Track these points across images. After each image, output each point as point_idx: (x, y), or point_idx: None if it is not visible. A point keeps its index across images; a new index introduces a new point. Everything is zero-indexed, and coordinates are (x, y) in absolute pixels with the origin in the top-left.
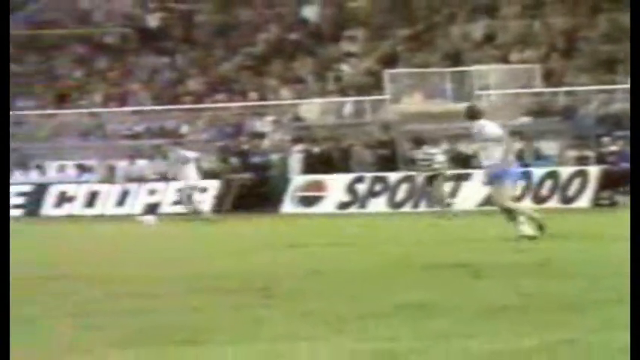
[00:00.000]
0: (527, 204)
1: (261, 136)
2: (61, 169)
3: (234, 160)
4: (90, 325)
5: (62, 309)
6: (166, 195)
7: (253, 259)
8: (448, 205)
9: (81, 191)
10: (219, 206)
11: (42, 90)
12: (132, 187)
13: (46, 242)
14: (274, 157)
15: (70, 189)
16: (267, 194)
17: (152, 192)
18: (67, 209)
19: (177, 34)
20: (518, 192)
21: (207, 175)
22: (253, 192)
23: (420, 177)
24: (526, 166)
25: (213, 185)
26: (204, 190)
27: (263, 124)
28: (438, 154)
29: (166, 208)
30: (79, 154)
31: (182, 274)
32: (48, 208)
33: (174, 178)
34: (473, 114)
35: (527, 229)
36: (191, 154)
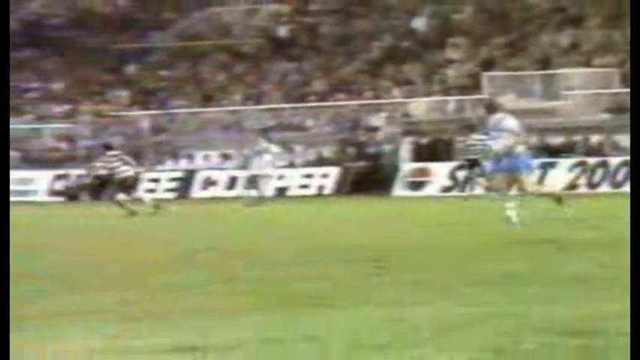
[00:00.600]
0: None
1: (375, 129)
2: (206, 158)
3: (351, 150)
4: (235, 292)
5: (212, 278)
6: (293, 179)
7: (368, 235)
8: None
9: (223, 176)
10: (338, 190)
11: (190, 91)
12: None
13: (195, 221)
14: (386, 147)
15: (214, 175)
16: (380, 180)
17: (281, 177)
18: (211, 192)
19: (303, 43)
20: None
21: (328, 162)
22: (368, 178)
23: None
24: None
25: (334, 172)
26: (325, 175)
27: (377, 120)
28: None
29: (294, 191)
30: (221, 145)
31: (308, 246)
32: (196, 191)
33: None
34: (491, 107)
35: (514, 215)
36: (273, 148)
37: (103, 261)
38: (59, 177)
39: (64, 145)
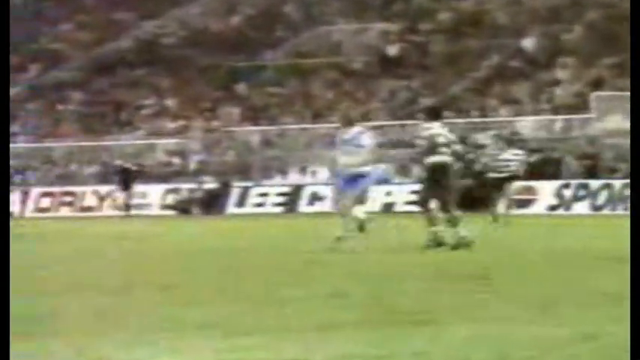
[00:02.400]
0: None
1: (482, 147)
2: (313, 173)
3: (459, 167)
4: (339, 306)
5: (318, 290)
6: (400, 195)
7: (475, 250)
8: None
9: (330, 192)
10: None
11: (300, 108)
12: (372, 188)
13: (303, 234)
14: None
15: (321, 190)
16: (485, 197)
17: (388, 193)
18: (317, 207)
19: (412, 61)
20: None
21: None
22: (473, 195)
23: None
24: None
25: None
26: None
27: (484, 138)
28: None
29: (400, 207)
30: (329, 161)
31: (416, 261)
32: (302, 206)
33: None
34: (348, 121)
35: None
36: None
37: (211, 272)
38: (170, 191)
39: (176, 160)
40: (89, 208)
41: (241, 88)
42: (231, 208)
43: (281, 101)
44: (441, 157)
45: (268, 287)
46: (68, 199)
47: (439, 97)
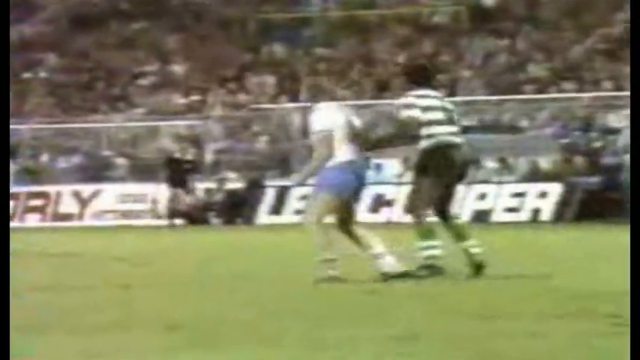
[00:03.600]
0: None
1: (615, 132)
2: (378, 168)
3: (580, 161)
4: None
5: (389, 329)
6: (498, 200)
7: (599, 277)
8: None
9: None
10: (560, 215)
11: (358, 77)
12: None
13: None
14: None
15: (387, 190)
16: (619, 201)
17: (482, 196)
18: (384, 214)
19: (518, 13)
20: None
21: (547, 177)
22: (603, 197)
23: None
24: None
25: (555, 190)
26: (543, 194)
27: (618, 119)
28: None
29: (499, 216)
30: (401, 152)
31: (518, 292)
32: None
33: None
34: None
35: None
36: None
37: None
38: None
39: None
40: (67, 216)
41: (277, 49)
42: (263, 216)
43: (332, 68)
44: (447, 138)
45: (310, 328)
46: (37, 202)
47: (554, 63)
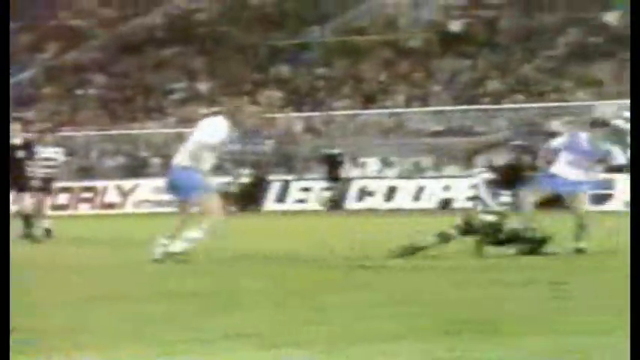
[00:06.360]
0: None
1: (557, 135)
2: (363, 165)
3: (528, 159)
4: (401, 314)
5: (368, 297)
6: (460, 191)
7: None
8: None
9: (381, 186)
10: (512, 203)
11: (349, 92)
12: (428, 182)
13: (344, 234)
14: None
15: (372, 184)
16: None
17: (446, 188)
18: (368, 203)
19: (479, 39)
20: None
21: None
22: None
23: None
24: None
25: None
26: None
27: (560, 125)
28: None
29: (460, 204)
30: (381, 151)
31: (472, 264)
32: (350, 201)
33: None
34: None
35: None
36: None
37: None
38: None
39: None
40: (110, 205)
41: (283, 69)
42: (269, 204)
43: (328, 84)
44: None
45: (309, 295)
46: (88, 195)
47: (508, 79)
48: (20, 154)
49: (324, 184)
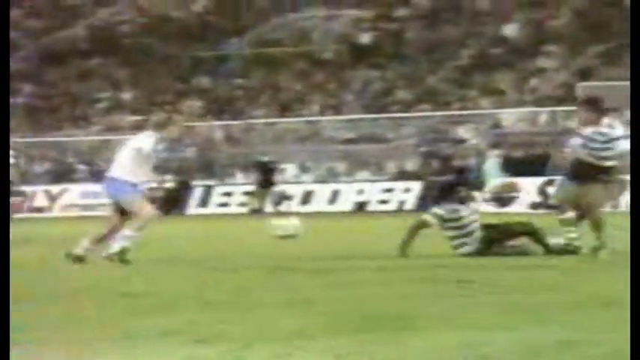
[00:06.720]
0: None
1: (462, 142)
2: (281, 171)
3: (435, 164)
4: (313, 313)
5: (287, 298)
6: (373, 194)
7: (444, 251)
8: None
9: (298, 191)
10: (421, 206)
11: (267, 101)
12: (343, 186)
13: (260, 237)
14: (473, 161)
15: (289, 189)
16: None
17: (360, 192)
18: (285, 207)
19: (387, 50)
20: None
21: (411, 176)
22: (452, 192)
23: None
24: None
25: (416, 186)
26: (408, 190)
27: (465, 131)
28: None
29: (373, 206)
30: (298, 158)
31: (389, 264)
32: (268, 206)
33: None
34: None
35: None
36: None
37: (173, 278)
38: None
39: None
40: (39, 209)
41: (204, 80)
42: (192, 209)
43: (246, 94)
44: None
45: (233, 293)
46: (16, 199)
47: (415, 89)
48: None
49: (244, 188)
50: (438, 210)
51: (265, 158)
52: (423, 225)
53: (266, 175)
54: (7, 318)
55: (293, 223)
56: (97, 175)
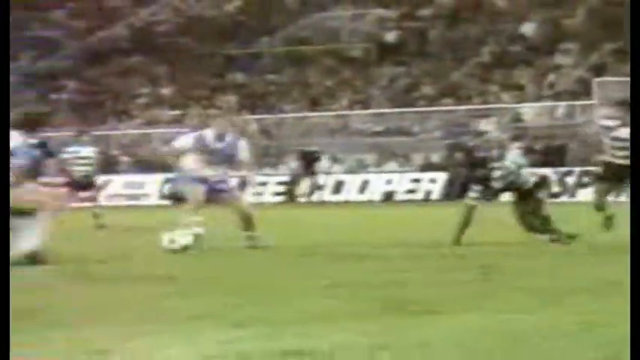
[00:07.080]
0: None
1: (484, 134)
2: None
3: (459, 156)
4: (339, 296)
5: (316, 282)
6: (400, 184)
7: (474, 241)
8: None
9: (329, 181)
10: (446, 195)
11: (298, 96)
12: (372, 177)
13: (298, 225)
14: (495, 152)
15: (321, 179)
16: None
17: (389, 182)
18: (317, 196)
19: (411, 48)
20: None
21: (436, 168)
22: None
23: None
24: None
25: (442, 177)
26: (433, 180)
27: (486, 124)
28: None
29: (401, 196)
30: (329, 150)
31: (415, 252)
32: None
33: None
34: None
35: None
36: None
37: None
38: (167, 180)
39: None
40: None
41: (238, 76)
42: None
43: (278, 89)
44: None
45: (261, 280)
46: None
47: (439, 84)
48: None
49: (278, 179)
50: (472, 193)
51: (310, 148)
52: (472, 209)
53: (309, 165)
54: (7, 318)
55: (191, 232)
56: (138, 167)
